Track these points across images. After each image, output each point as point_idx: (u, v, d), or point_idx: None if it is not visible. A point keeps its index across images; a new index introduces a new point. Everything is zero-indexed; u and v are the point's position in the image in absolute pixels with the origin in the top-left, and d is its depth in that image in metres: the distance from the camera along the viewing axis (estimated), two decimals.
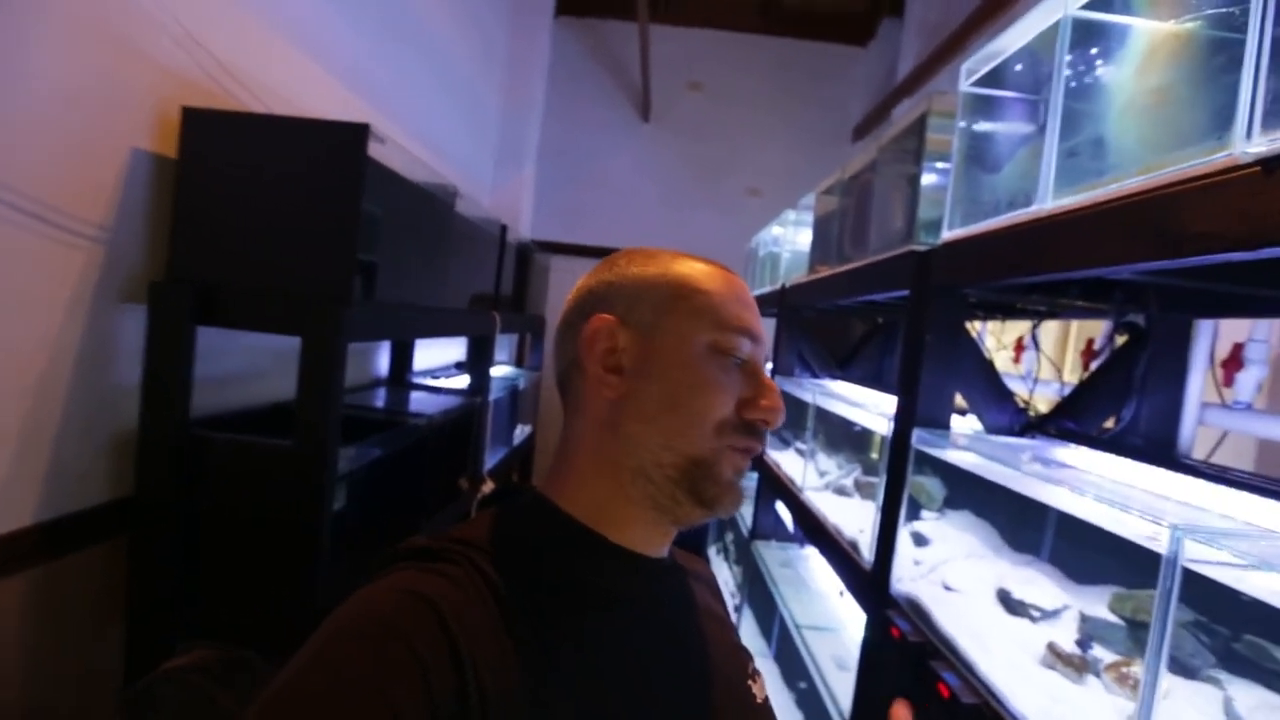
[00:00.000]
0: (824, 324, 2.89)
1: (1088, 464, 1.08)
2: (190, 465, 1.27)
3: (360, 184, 1.24)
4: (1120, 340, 1.30)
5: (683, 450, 0.54)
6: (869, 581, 1.31)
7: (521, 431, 3.40)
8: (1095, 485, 0.88)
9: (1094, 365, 1.53)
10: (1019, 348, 1.87)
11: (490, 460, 2.63)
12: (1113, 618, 0.92)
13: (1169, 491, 0.91)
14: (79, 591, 1.26)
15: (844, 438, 2.03)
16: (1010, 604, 1.03)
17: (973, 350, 1.26)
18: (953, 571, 1.16)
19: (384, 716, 0.40)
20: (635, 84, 4.62)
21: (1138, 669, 0.83)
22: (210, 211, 1.27)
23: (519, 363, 3.94)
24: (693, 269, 0.59)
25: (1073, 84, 0.91)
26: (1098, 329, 1.73)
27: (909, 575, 1.22)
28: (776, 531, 2.62)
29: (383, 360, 2.54)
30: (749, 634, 2.68)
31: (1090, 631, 0.93)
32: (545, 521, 0.56)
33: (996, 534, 1.26)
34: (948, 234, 1.18)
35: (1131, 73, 0.84)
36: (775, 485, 2.31)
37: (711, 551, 3.89)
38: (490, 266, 2.41)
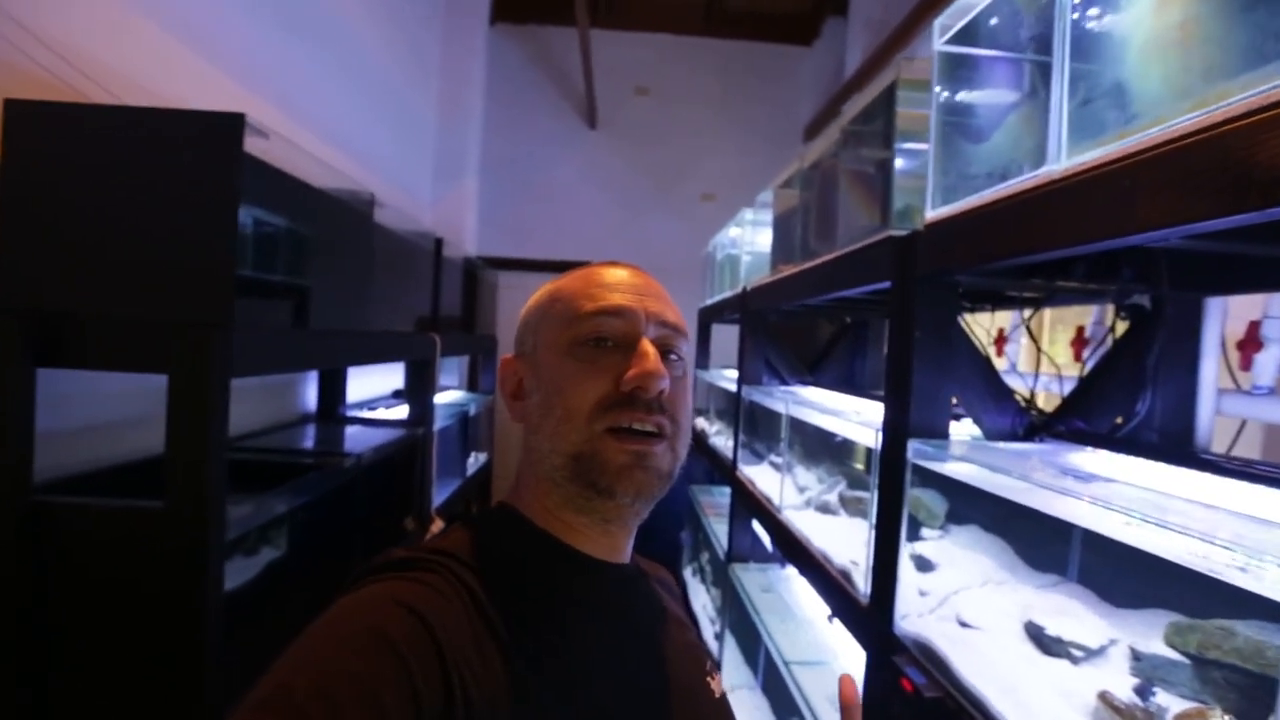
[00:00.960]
0: (789, 327, 2.75)
1: (1108, 469, 0.93)
2: (34, 541, 1.02)
3: (234, 184, 1.02)
4: (1120, 325, 1.17)
5: (564, 449, 0.55)
6: (867, 619, 1.14)
7: (476, 460, 3.16)
8: (1128, 498, 0.73)
9: (1087, 354, 1.40)
10: (1000, 340, 1.75)
11: (440, 495, 2.39)
12: (1173, 654, 0.76)
13: (1197, 494, 0.76)
14: None
15: (823, 449, 1.87)
16: (1043, 642, 0.87)
17: (967, 346, 1.11)
18: (968, 603, 1.00)
19: (376, 717, 0.40)
20: (579, 91, 4.47)
21: None
22: (47, 225, 1.03)
23: (471, 387, 3.69)
24: (561, 282, 0.62)
25: (1078, 27, 0.76)
26: (1084, 316, 1.61)
27: (915, 609, 1.05)
28: (754, 552, 2.45)
29: (311, 393, 2.28)
30: (732, 664, 2.49)
31: (1149, 673, 0.76)
32: (515, 532, 0.58)
33: (1011, 551, 1.11)
34: (931, 214, 1.03)
35: None
36: (750, 504, 2.14)
37: (687, 573, 3.70)
38: (425, 284, 2.19)
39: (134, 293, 1.03)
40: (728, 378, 2.95)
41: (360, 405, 2.47)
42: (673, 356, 0.59)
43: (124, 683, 1.04)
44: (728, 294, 2.91)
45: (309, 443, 1.97)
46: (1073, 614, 0.90)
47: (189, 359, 1.00)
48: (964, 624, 0.98)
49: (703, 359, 3.84)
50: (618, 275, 0.60)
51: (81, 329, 1.01)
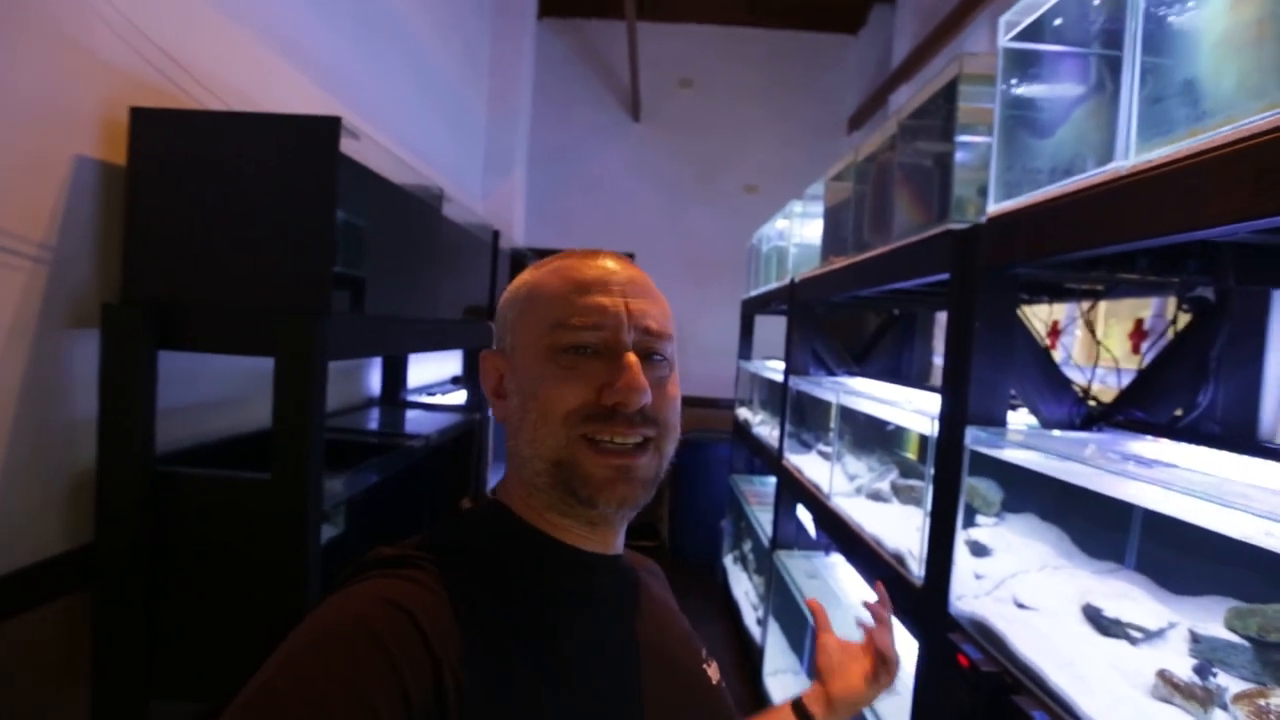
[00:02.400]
0: (836, 320, 2.76)
1: (1169, 456, 0.95)
2: (157, 506, 1.13)
3: (333, 183, 1.11)
4: (1181, 318, 1.17)
5: (544, 454, 0.54)
6: (922, 600, 1.18)
7: None
8: (1191, 480, 0.75)
9: (1145, 346, 1.40)
10: (1054, 332, 1.74)
11: (494, 477, 2.49)
12: (1233, 637, 0.79)
13: (1261, 480, 0.78)
14: (36, 653, 1.12)
15: (873, 438, 1.90)
16: (1102, 623, 0.90)
17: (1026, 337, 1.13)
18: (1025, 586, 1.03)
19: (364, 716, 0.40)
20: (624, 84, 4.51)
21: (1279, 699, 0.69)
22: (166, 222, 1.14)
23: None
24: (539, 276, 0.59)
25: (1150, 24, 0.78)
26: (1141, 308, 1.61)
27: (970, 592, 1.09)
28: (799, 539, 2.49)
29: (375, 379, 2.40)
30: (777, 649, 2.54)
31: (1208, 654, 0.79)
32: (504, 527, 0.58)
33: (1068, 539, 1.13)
34: (994, 208, 1.06)
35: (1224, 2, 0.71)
36: (797, 491, 2.18)
37: (728, 560, 3.75)
38: (484, 275, 2.28)
39: (244, 284, 1.13)
40: (772, 368, 2.98)
41: (419, 390, 2.58)
42: (656, 357, 0.56)
43: (231, 636, 1.15)
44: (774, 285, 2.94)
45: (375, 425, 2.09)
46: (1131, 598, 0.92)
47: (294, 343, 1.09)
48: (1021, 605, 1.01)
49: (745, 349, 3.88)
50: (599, 270, 0.56)
51: (198, 316, 1.12)
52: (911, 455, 1.93)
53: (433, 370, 2.91)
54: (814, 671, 0.81)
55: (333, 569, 1.39)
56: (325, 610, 0.47)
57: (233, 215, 1.14)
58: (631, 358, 0.54)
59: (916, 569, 1.24)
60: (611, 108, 4.68)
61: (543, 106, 4.51)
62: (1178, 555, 0.95)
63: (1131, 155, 0.74)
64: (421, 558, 0.52)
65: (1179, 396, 1.10)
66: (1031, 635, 0.92)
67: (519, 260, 3.18)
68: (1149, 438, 1.07)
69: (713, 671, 0.64)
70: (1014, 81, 1.06)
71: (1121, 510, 1.04)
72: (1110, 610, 0.90)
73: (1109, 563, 1.05)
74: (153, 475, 1.13)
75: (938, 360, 2.58)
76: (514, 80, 4.03)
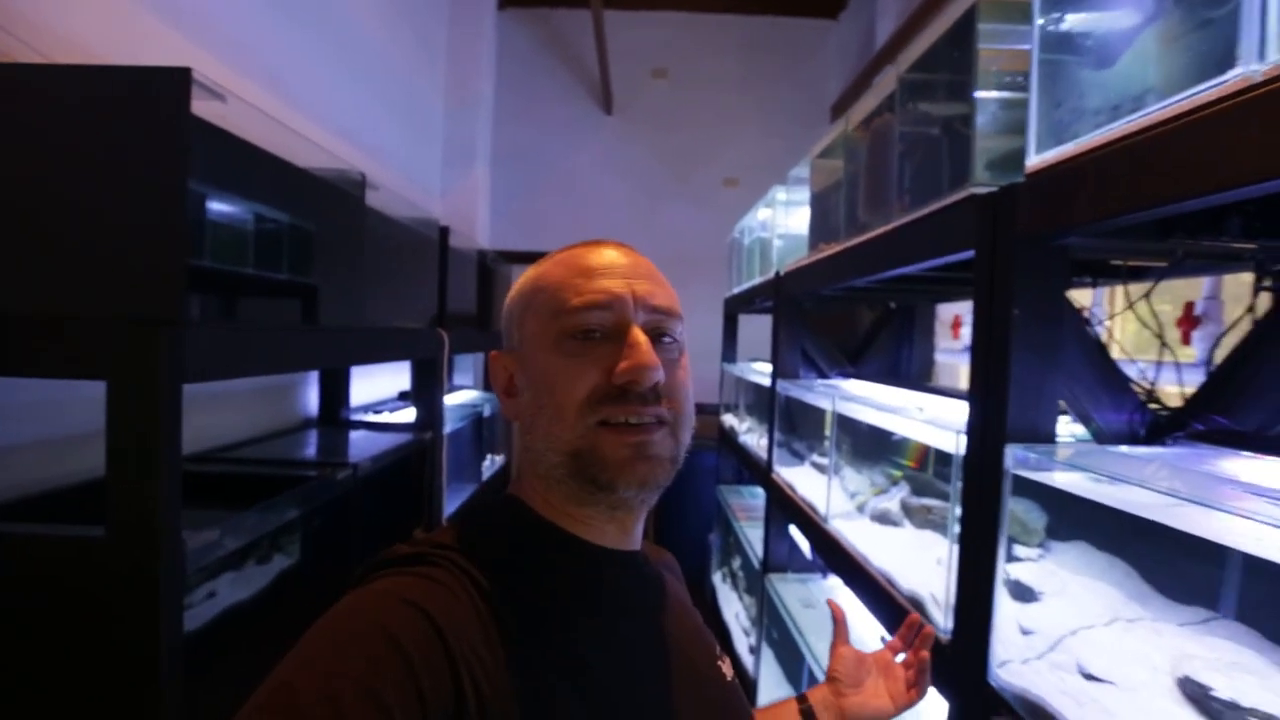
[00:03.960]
0: (826, 316, 2.54)
1: (1271, 477, 0.72)
2: None
3: (181, 152, 0.85)
4: (1262, 300, 0.95)
5: (560, 447, 0.54)
6: (951, 661, 0.94)
7: (492, 463, 2.99)
8: None
9: (1192, 334, 1.18)
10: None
11: (452, 502, 2.23)
12: None
13: None
14: None
15: (875, 448, 1.66)
16: (1210, 708, 0.66)
17: (1076, 327, 0.90)
18: (1091, 647, 0.79)
19: (378, 717, 0.40)
20: (594, 75, 4.27)
21: None
22: None
23: (487, 386, 3.54)
24: (542, 269, 0.59)
25: None
26: (1184, 291, 1.39)
27: (1018, 653, 0.85)
28: (793, 560, 2.25)
29: (312, 398, 2.13)
30: (771, 680, 2.30)
31: None
32: (521, 524, 0.57)
33: (1136, 575, 0.89)
34: (1035, 159, 0.82)
35: None
36: (789, 509, 1.93)
37: (716, 578, 3.51)
38: (429, 276, 2.02)
39: (67, 285, 0.87)
40: (758, 371, 2.74)
41: (366, 408, 2.31)
42: (666, 339, 0.57)
43: None
44: (758, 280, 2.71)
45: (309, 450, 1.82)
46: (1247, 668, 0.69)
47: (131, 362, 0.83)
48: (1090, 676, 0.77)
49: (729, 351, 3.64)
50: (603, 258, 0.57)
51: (8, 329, 0.85)
52: (911, 463, 1.70)
53: (386, 384, 2.64)
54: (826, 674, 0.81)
55: (278, 607, 1.13)
56: (342, 610, 0.47)
57: (54, 198, 0.88)
58: (640, 333, 0.54)
59: (942, 619, 1.00)
60: (582, 100, 4.44)
61: (508, 101, 4.26)
62: None
63: (1272, 53, 0.51)
64: (438, 555, 0.51)
65: (1271, 399, 0.87)
66: None
67: (484, 263, 2.92)
68: (1236, 451, 0.84)
69: (726, 668, 0.64)
70: (1056, 3, 0.83)
71: (1207, 541, 0.81)
72: (1222, 688, 0.67)
73: (1199, 609, 0.81)
74: None
75: (940, 358, 2.36)
76: (473, 72, 3.78)
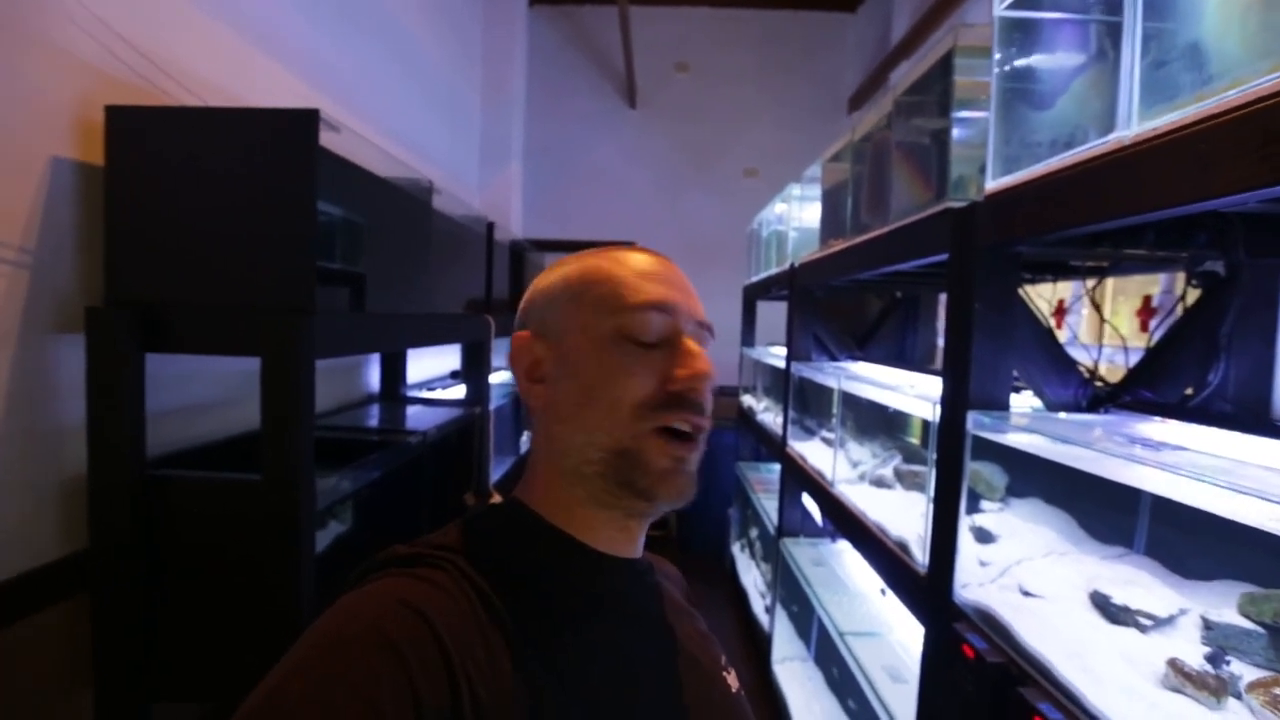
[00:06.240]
0: (837, 303, 2.73)
1: (1179, 438, 0.92)
2: (149, 510, 1.12)
3: (312, 177, 1.08)
4: (1191, 293, 1.14)
5: (603, 444, 0.53)
6: (926, 588, 1.15)
7: (528, 439, 3.25)
8: (1200, 464, 0.72)
9: (1154, 324, 1.36)
10: (1060, 312, 1.71)
11: (496, 472, 2.48)
12: (1247, 623, 0.76)
13: (1276, 461, 0.75)
14: (38, 658, 1.12)
15: (876, 423, 1.87)
16: (1110, 610, 0.88)
17: (1028, 317, 1.10)
18: (1030, 573, 1.01)
19: None
20: (619, 70, 4.45)
21: None
22: (147, 222, 1.12)
23: None
24: (587, 262, 0.58)
25: None
26: (1149, 285, 1.57)
27: (975, 579, 1.07)
28: (805, 527, 2.47)
29: (374, 375, 2.39)
30: (784, 636, 2.54)
31: (1221, 642, 0.77)
32: (522, 526, 0.56)
33: (1074, 523, 1.10)
34: (992, 184, 1.02)
35: None
36: (801, 478, 2.16)
37: (736, 548, 3.74)
38: (479, 267, 2.25)
39: (228, 283, 1.11)
40: (774, 354, 2.95)
41: (419, 386, 2.57)
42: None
43: (227, 640, 1.15)
44: (774, 270, 2.90)
45: (374, 422, 2.08)
46: (1140, 584, 0.90)
47: (280, 342, 1.07)
48: (1027, 593, 0.99)
49: (748, 336, 3.84)
50: (653, 265, 0.57)
51: (183, 317, 1.10)
52: (914, 440, 1.91)
53: (432, 365, 2.90)
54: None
55: (336, 568, 1.39)
56: (339, 612, 0.46)
57: (213, 213, 1.12)
58: (693, 343, 0.54)
59: (921, 557, 1.22)
60: (607, 95, 4.63)
61: (537, 96, 4.46)
62: (1189, 539, 0.92)
63: (1135, 124, 0.71)
64: (437, 557, 0.51)
65: (1189, 375, 1.07)
66: (1038, 624, 0.90)
67: (517, 252, 3.16)
68: (1158, 419, 1.04)
69: (732, 680, 0.62)
70: (1011, 51, 1.02)
71: (1130, 493, 1.01)
72: (1119, 597, 0.88)
73: (1117, 548, 1.02)
74: (144, 479, 1.12)
75: (941, 342, 2.55)
76: (508, 70, 3.98)
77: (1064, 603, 0.94)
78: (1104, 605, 0.89)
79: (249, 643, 1.13)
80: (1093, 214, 0.79)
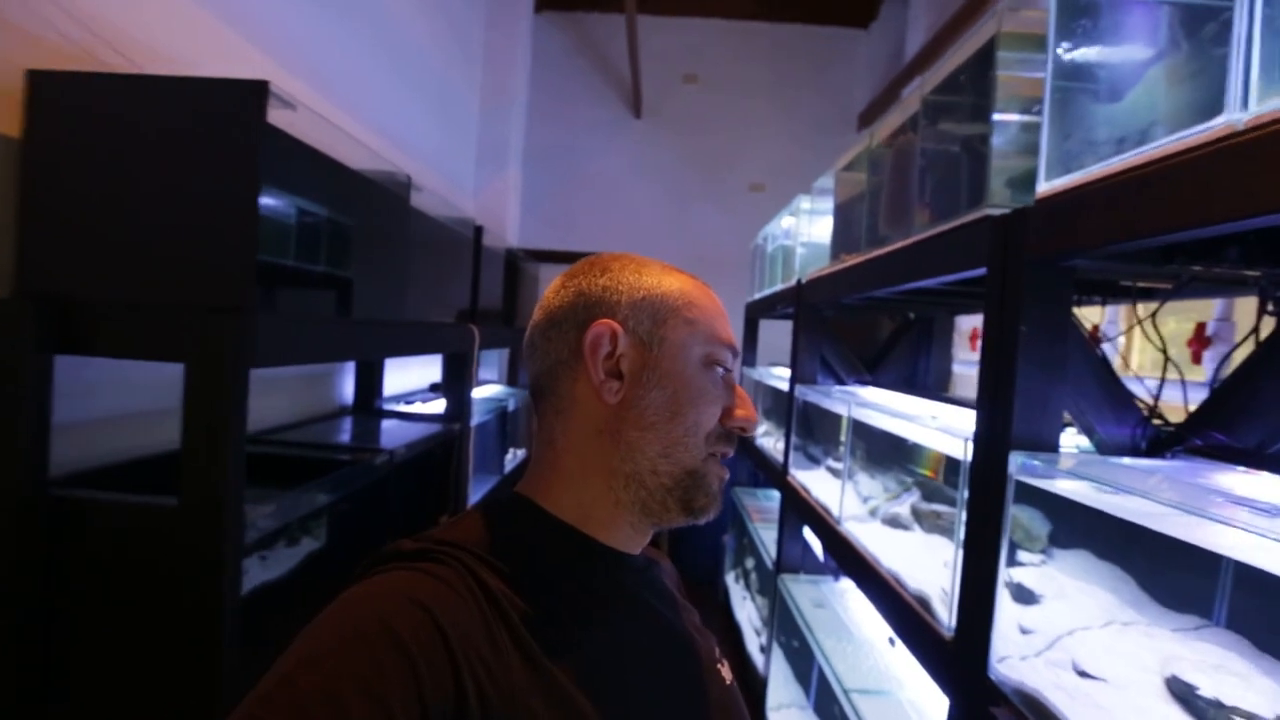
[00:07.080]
0: (846, 324, 2.58)
1: (1265, 492, 0.76)
2: (50, 536, 0.96)
3: (254, 157, 0.94)
4: (1266, 323, 0.99)
5: (680, 460, 0.56)
6: (953, 656, 0.99)
7: (514, 457, 3.08)
8: None
9: (1208, 355, 1.21)
10: (1094, 339, 1.55)
11: (476, 492, 2.31)
12: None
13: None
14: None
15: (890, 454, 1.71)
16: (1197, 706, 0.71)
17: (1080, 343, 0.94)
18: (1087, 647, 0.84)
19: (378, 717, 0.40)
20: (625, 79, 4.35)
21: None
22: (68, 204, 0.97)
23: (511, 381, 3.63)
24: (684, 282, 0.60)
25: None
26: (1196, 311, 1.42)
27: (1017, 650, 0.90)
28: (806, 562, 2.29)
29: (349, 386, 2.23)
30: (780, 680, 2.35)
31: None
32: (531, 523, 0.57)
33: (1133, 583, 0.94)
34: (1045, 186, 0.87)
35: None
36: (803, 511, 1.99)
37: (730, 578, 3.56)
38: (464, 274, 2.10)
39: (152, 276, 0.96)
40: (777, 376, 2.79)
41: (398, 398, 2.41)
42: None
43: (139, 683, 0.98)
44: (779, 287, 2.76)
45: (345, 436, 1.92)
46: (1232, 671, 0.73)
47: (206, 347, 0.92)
48: (1083, 673, 0.82)
49: (749, 356, 3.69)
50: (722, 307, 0.62)
51: (102, 314, 0.95)
52: (927, 472, 1.75)
53: (418, 376, 2.74)
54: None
55: (280, 605, 1.22)
56: (345, 604, 0.46)
57: (143, 196, 0.97)
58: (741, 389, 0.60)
59: (946, 617, 1.05)
60: (612, 104, 4.53)
61: (540, 102, 4.35)
62: None
63: (1254, 104, 0.56)
64: (444, 552, 0.50)
65: (1269, 417, 0.91)
66: (1100, 717, 0.73)
67: (511, 261, 3.01)
68: (1234, 467, 0.88)
69: (726, 672, 0.63)
70: (1069, 37, 0.88)
71: (1203, 551, 0.85)
72: (1207, 688, 0.71)
73: (1192, 617, 0.86)
74: (44, 499, 0.96)
75: (958, 369, 2.39)
76: (509, 72, 3.87)
77: (1133, 689, 0.77)
78: (1187, 697, 0.73)
79: (162, 695, 0.96)
80: (1182, 218, 0.64)
